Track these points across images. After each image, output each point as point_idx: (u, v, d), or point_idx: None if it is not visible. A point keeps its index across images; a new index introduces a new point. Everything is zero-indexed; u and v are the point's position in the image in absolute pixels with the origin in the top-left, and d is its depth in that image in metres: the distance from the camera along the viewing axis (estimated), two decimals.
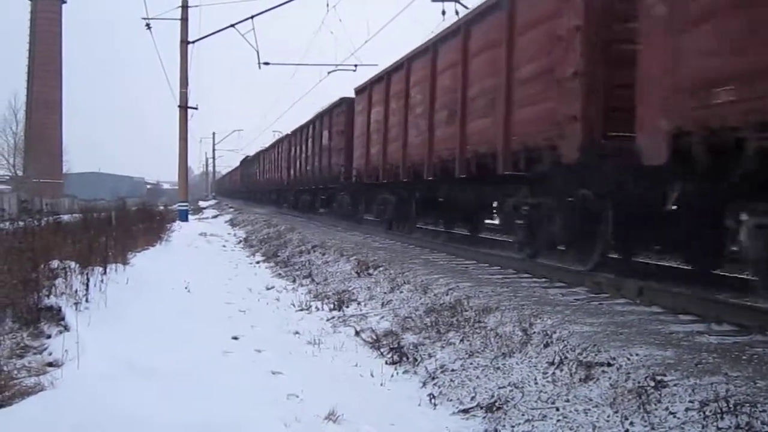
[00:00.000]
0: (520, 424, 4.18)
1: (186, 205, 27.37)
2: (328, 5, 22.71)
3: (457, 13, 16.59)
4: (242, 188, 59.58)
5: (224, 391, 4.56)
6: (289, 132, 31.29)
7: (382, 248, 12.46)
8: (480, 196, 11.29)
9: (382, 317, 7.51)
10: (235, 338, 6.60)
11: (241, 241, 20.54)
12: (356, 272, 10.05)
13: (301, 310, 8.60)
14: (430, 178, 12.34)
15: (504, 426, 4.24)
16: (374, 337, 6.80)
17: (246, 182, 56.06)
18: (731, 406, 3.39)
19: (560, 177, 8.00)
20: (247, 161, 57.17)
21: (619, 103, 6.88)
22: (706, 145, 5.35)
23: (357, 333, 7.13)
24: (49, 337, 5.67)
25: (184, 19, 25.35)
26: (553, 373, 4.57)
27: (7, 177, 66.10)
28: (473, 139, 10.48)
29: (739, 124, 4.98)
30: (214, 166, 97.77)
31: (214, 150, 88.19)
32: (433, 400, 4.94)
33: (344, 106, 20.53)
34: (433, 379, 5.35)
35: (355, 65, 25.73)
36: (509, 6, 9.05)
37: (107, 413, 3.81)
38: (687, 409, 3.54)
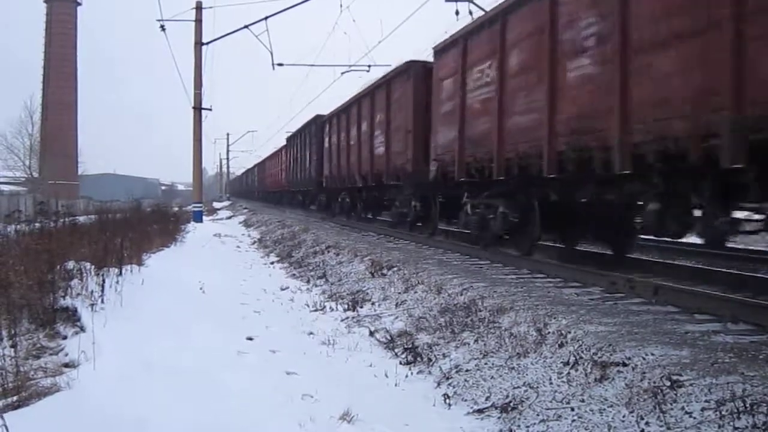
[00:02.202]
0: (535, 424, 4.18)
1: (200, 206, 27.48)
2: (341, 6, 22.72)
3: (470, 13, 16.67)
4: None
5: (239, 391, 4.58)
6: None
7: (396, 248, 12.48)
8: (383, 197, 18.14)
9: (397, 317, 7.51)
10: (250, 339, 6.64)
11: (255, 242, 20.61)
12: (370, 272, 10.07)
13: (316, 310, 8.62)
14: (360, 185, 19.11)
15: (519, 426, 4.23)
16: (388, 337, 6.80)
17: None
18: (748, 405, 3.37)
19: (408, 184, 14.82)
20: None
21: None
22: (443, 171, 12.00)
23: (371, 333, 7.13)
24: (65, 337, 5.71)
25: (198, 21, 25.51)
26: (568, 373, 4.56)
27: (24, 179, 66.55)
28: (377, 161, 16.93)
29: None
30: (228, 166, 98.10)
31: (228, 151, 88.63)
32: (447, 400, 4.94)
33: (316, 125, 25.30)
34: (448, 379, 5.35)
35: (369, 65, 25.73)
36: (386, 87, 16.10)
37: (123, 414, 3.83)
38: (703, 409, 3.52)
